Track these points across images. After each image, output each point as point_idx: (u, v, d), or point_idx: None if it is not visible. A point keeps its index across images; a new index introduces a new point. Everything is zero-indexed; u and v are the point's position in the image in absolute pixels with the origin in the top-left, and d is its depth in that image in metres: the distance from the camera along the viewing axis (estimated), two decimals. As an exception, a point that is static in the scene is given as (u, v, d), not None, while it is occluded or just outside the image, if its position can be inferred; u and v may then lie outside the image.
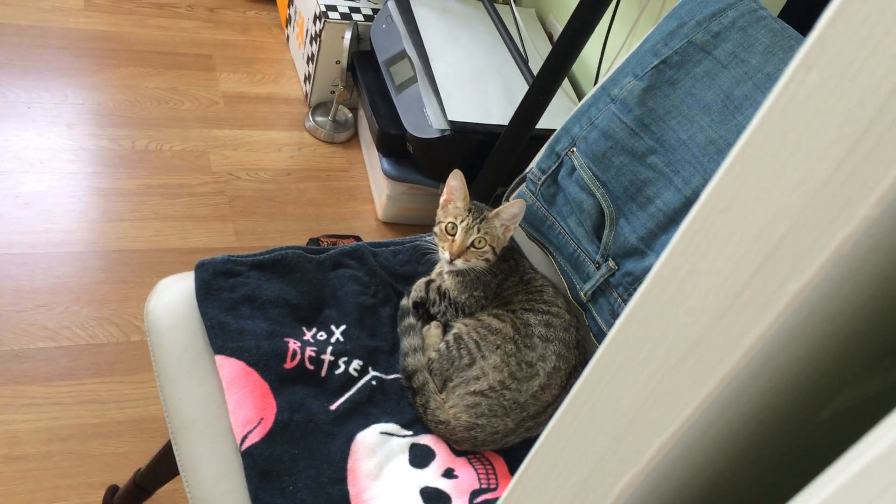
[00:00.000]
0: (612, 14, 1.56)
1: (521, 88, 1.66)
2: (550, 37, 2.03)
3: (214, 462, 0.85)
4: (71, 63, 1.98)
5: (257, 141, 1.97)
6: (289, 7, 2.22)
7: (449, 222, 1.03)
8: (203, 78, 2.08)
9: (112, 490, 1.25)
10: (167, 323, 0.95)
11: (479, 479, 0.90)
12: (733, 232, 0.28)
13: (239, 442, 0.85)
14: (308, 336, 0.97)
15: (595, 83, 1.65)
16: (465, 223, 1.02)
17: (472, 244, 1.02)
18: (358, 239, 1.59)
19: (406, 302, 1.05)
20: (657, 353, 0.31)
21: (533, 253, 1.17)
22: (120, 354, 1.45)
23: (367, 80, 1.85)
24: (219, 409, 0.89)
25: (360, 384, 0.95)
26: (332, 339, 0.97)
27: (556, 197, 1.10)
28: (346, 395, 0.93)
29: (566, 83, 1.84)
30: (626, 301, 1.00)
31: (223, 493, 0.84)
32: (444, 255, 1.03)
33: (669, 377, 0.31)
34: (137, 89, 1.98)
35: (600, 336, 1.04)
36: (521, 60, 1.73)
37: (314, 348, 0.95)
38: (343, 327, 0.99)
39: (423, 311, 1.06)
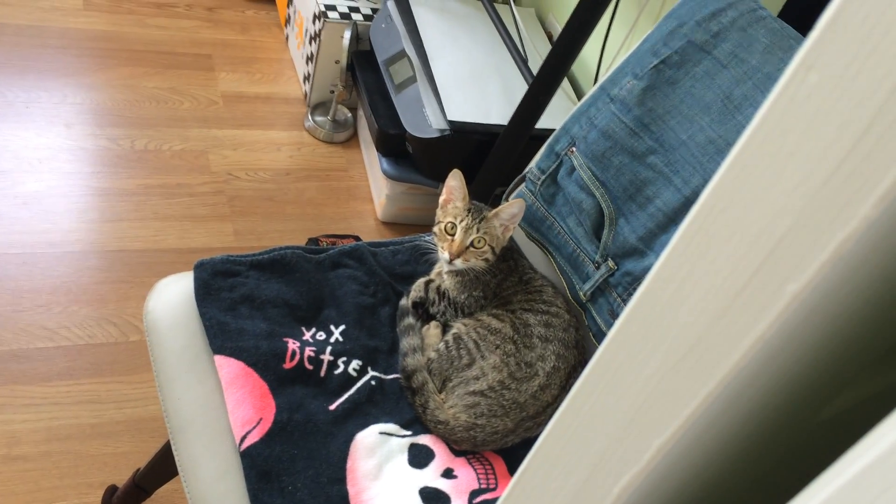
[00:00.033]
0: (611, 14, 1.56)
1: (520, 88, 1.66)
2: (550, 36, 2.03)
3: (213, 462, 0.85)
4: (70, 63, 1.97)
5: (256, 141, 1.96)
6: (288, 7, 2.22)
7: (448, 222, 1.03)
8: (202, 77, 2.08)
9: (111, 490, 1.25)
10: (166, 323, 0.94)
11: (479, 479, 0.90)
12: (733, 232, 0.28)
13: (238, 442, 0.85)
14: (307, 336, 0.97)
15: (594, 83, 1.64)
16: (464, 223, 1.02)
17: (472, 244, 1.02)
18: (357, 239, 1.59)
19: (405, 302, 1.05)
20: (657, 354, 0.31)
21: (532, 253, 1.17)
22: (119, 354, 1.45)
23: (367, 79, 1.85)
24: (218, 410, 0.88)
25: (359, 384, 0.95)
26: (332, 339, 0.97)
27: (555, 197, 1.10)
28: (346, 396, 0.93)
29: (566, 83, 1.84)
30: (625, 301, 1.00)
31: (222, 493, 0.84)
32: (444, 254, 1.03)
33: (669, 377, 0.31)
34: (136, 89, 1.98)
35: (600, 336, 1.04)
36: (521, 60, 1.73)
37: (313, 348, 0.95)
38: (342, 327, 0.99)
39: (423, 311, 1.06)
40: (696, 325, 0.29)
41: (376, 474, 0.87)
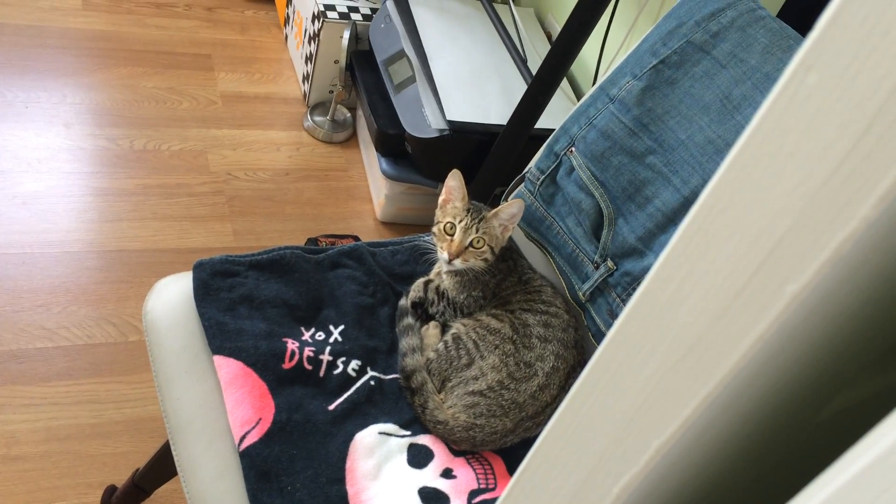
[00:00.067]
0: (610, 14, 1.56)
1: (519, 88, 1.66)
2: (549, 36, 2.03)
3: (213, 462, 0.85)
4: (69, 63, 1.97)
5: (256, 141, 1.96)
6: (287, 6, 2.22)
7: (447, 222, 1.03)
8: (201, 77, 2.08)
9: (110, 490, 1.24)
10: (165, 323, 0.94)
11: (478, 479, 0.90)
12: (732, 232, 0.28)
13: (237, 442, 0.85)
14: (306, 336, 0.97)
15: (594, 83, 1.64)
16: (463, 223, 1.02)
17: (471, 244, 1.02)
18: (356, 239, 1.60)
19: (404, 302, 1.05)
20: (656, 354, 0.31)
21: (531, 253, 1.17)
22: (118, 354, 1.45)
23: (366, 79, 1.85)
24: (217, 410, 0.88)
25: (358, 384, 0.95)
26: (331, 340, 0.97)
27: (554, 197, 1.10)
28: (345, 396, 0.93)
29: (565, 83, 1.84)
30: (624, 301, 1.00)
31: (221, 493, 0.84)
32: (443, 255, 1.03)
33: (668, 378, 0.31)
34: (136, 89, 1.98)
35: (599, 336, 1.04)
36: (520, 60, 1.73)
37: (312, 348, 0.94)
38: (341, 327, 0.99)
39: (422, 311, 1.06)
40: (696, 326, 0.29)
41: (375, 474, 0.87)
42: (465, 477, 0.90)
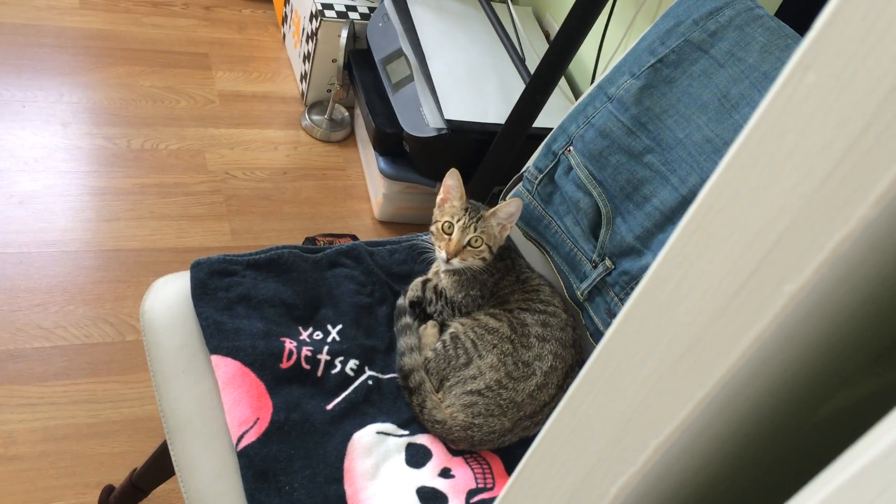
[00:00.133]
0: (608, 13, 1.56)
1: (517, 87, 1.66)
2: (547, 35, 2.03)
3: (210, 462, 0.85)
4: (66, 61, 1.97)
5: (253, 140, 1.96)
6: (285, 5, 2.22)
7: (445, 221, 1.03)
8: (199, 76, 2.07)
9: (108, 490, 1.24)
10: (163, 322, 0.94)
11: (476, 478, 0.90)
12: (731, 232, 0.28)
13: (235, 442, 0.85)
14: (304, 336, 0.96)
15: (592, 82, 1.65)
16: (461, 222, 1.02)
17: (469, 243, 1.02)
18: (354, 238, 1.59)
19: (402, 301, 1.05)
20: (654, 353, 0.31)
21: (530, 252, 1.16)
22: (115, 354, 1.45)
23: (364, 78, 1.85)
24: (215, 409, 0.88)
25: (356, 384, 0.95)
26: (329, 339, 0.97)
27: (552, 196, 1.10)
28: (343, 395, 0.93)
29: (563, 82, 1.84)
30: (622, 300, 1.00)
31: (219, 492, 0.83)
32: (441, 254, 1.03)
33: (667, 377, 0.31)
34: (133, 88, 1.97)
35: (597, 335, 1.04)
36: (518, 59, 1.72)
37: (310, 348, 0.94)
38: (339, 327, 0.99)
39: (420, 311, 1.06)
40: (694, 325, 0.29)
41: (373, 474, 0.87)
42: (464, 476, 0.90)
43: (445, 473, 0.90)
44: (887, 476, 0.22)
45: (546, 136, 1.12)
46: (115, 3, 2.18)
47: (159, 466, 1.11)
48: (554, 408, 0.38)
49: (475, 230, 1.01)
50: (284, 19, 2.24)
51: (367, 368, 0.96)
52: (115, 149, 1.81)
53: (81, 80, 1.94)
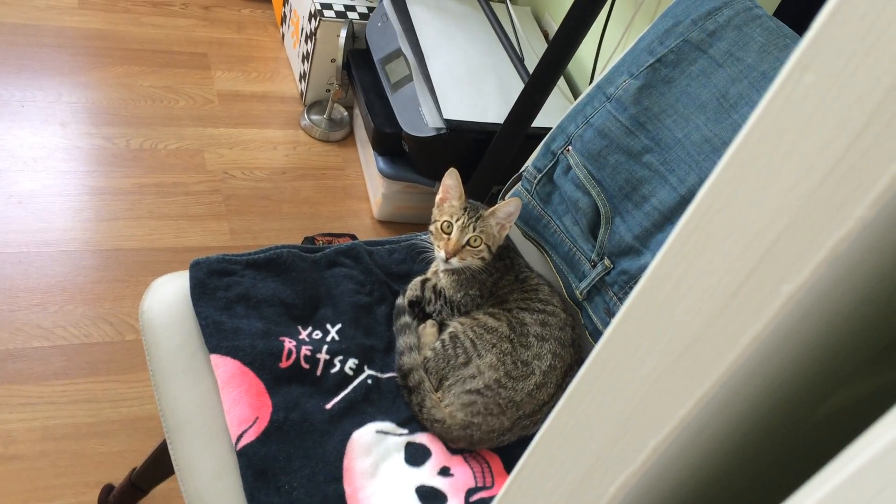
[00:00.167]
0: (607, 12, 1.56)
1: (516, 87, 1.66)
2: (546, 35, 2.03)
3: (210, 461, 0.85)
4: (65, 61, 1.97)
5: (252, 139, 1.96)
6: (284, 5, 2.22)
7: (444, 221, 1.03)
8: (198, 76, 2.07)
9: (107, 489, 1.24)
10: (162, 322, 0.94)
11: (475, 477, 0.90)
12: (729, 232, 0.28)
13: (234, 441, 0.85)
14: (303, 335, 0.96)
15: (591, 82, 1.65)
16: (460, 222, 1.02)
17: (468, 243, 1.02)
18: (353, 237, 1.59)
19: (402, 301, 1.05)
20: (653, 353, 0.31)
21: (528, 252, 1.17)
22: (115, 353, 1.45)
23: (363, 78, 1.85)
24: (214, 409, 0.88)
25: (355, 383, 0.95)
26: (328, 338, 0.97)
27: (551, 195, 1.10)
28: (342, 394, 0.93)
29: (562, 82, 1.84)
30: (621, 300, 1.00)
31: (219, 492, 0.83)
32: (440, 253, 1.03)
33: (665, 377, 0.31)
34: (132, 88, 1.97)
35: (596, 335, 1.04)
36: (517, 59, 1.72)
37: (310, 347, 0.94)
38: (338, 326, 0.99)
39: (419, 310, 1.06)
40: (693, 325, 0.29)
41: (373, 473, 0.87)
42: (463, 475, 0.90)
43: (445, 472, 0.90)
44: (885, 475, 0.22)
45: (545, 136, 1.12)
46: (114, 3, 2.18)
47: (159, 466, 1.11)
48: (553, 407, 0.38)
49: (474, 230, 1.01)
50: (283, 19, 2.24)
51: (366, 368, 0.97)
52: (114, 148, 1.81)
53: (80, 79, 1.93)
